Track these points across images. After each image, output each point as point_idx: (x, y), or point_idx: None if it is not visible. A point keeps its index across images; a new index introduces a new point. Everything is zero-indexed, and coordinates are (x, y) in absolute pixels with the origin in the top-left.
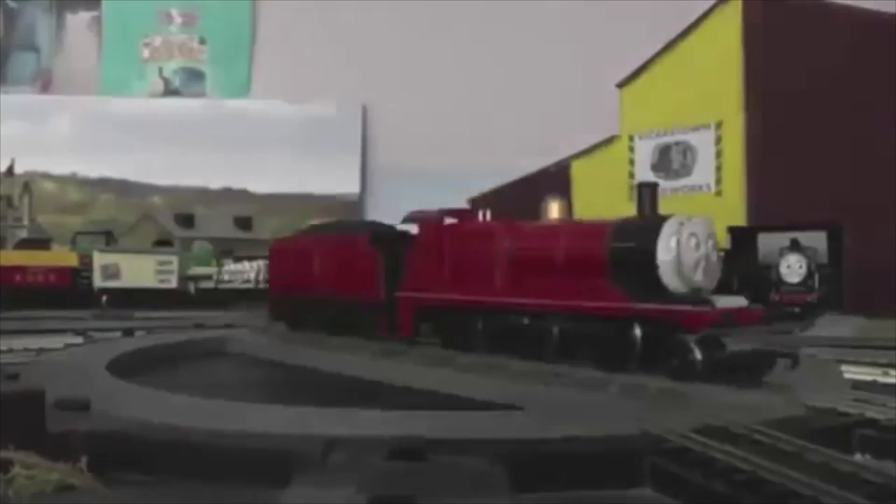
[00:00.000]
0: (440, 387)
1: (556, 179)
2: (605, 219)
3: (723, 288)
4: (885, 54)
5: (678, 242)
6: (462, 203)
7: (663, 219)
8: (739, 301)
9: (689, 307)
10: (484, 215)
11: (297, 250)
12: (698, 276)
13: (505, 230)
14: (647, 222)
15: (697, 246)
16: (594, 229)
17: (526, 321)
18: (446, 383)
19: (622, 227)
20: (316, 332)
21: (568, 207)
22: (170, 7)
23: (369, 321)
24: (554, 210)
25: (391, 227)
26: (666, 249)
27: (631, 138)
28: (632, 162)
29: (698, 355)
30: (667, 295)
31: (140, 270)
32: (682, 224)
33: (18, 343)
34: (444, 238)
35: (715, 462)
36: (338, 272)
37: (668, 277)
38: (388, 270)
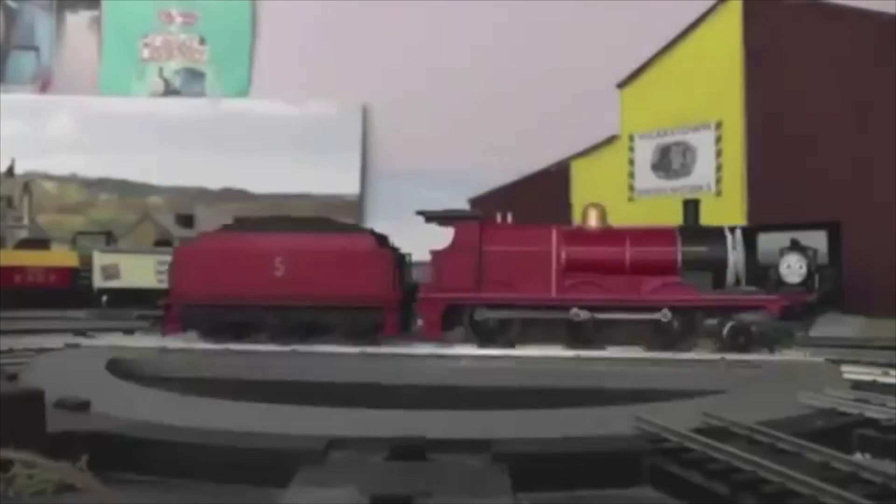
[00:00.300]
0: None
1: (556, 179)
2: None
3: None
4: (885, 54)
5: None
6: (462, 203)
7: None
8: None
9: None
10: (504, 217)
11: (245, 251)
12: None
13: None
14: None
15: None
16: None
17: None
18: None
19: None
20: (272, 339)
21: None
22: (170, 7)
23: (366, 323)
24: (593, 217)
25: (355, 226)
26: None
27: (631, 138)
28: (632, 162)
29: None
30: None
31: (140, 270)
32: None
33: (18, 343)
34: (488, 239)
35: (715, 462)
36: (321, 273)
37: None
38: (398, 271)
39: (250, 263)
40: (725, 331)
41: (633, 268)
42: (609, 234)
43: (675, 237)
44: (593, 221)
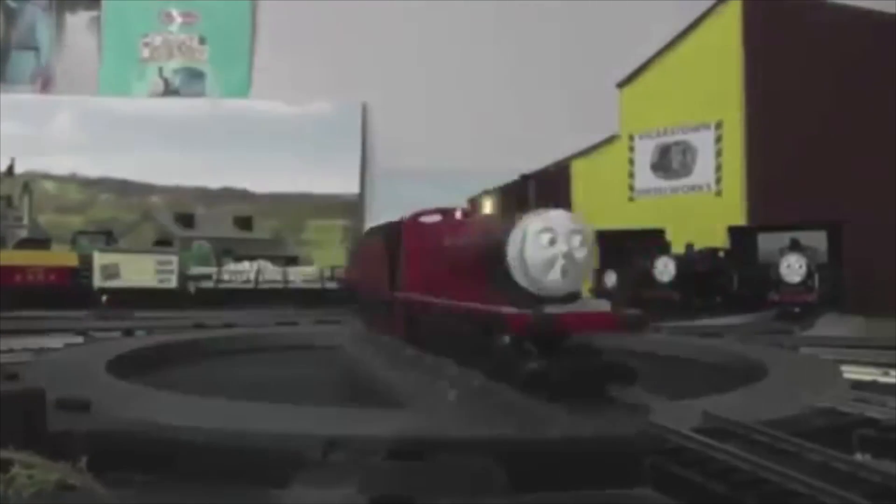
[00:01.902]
0: None
1: (556, 179)
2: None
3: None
4: (885, 54)
5: (523, 239)
6: (462, 203)
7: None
8: (594, 305)
9: (507, 309)
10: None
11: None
12: (551, 276)
13: (446, 228)
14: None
15: (552, 242)
16: (488, 226)
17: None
18: None
19: (495, 225)
20: None
21: (499, 203)
22: (170, 7)
23: None
24: (487, 206)
25: None
26: (512, 246)
27: (631, 138)
28: (632, 162)
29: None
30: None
31: (140, 270)
32: (532, 220)
33: (18, 343)
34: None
35: (715, 462)
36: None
37: (518, 276)
38: None
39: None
40: None
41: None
42: (461, 227)
43: (490, 230)
44: (486, 211)
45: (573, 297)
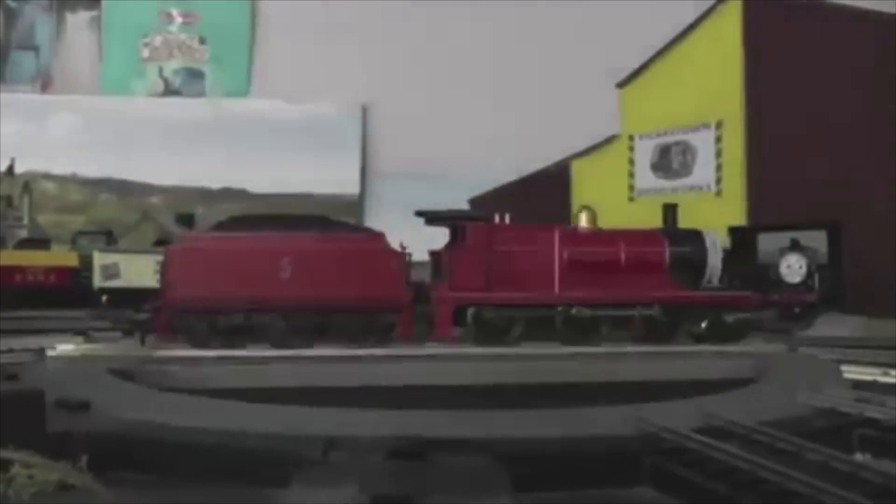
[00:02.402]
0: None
1: (556, 179)
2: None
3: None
4: (884, 54)
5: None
6: (462, 203)
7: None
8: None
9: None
10: (502, 218)
11: (247, 249)
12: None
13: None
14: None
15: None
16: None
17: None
18: None
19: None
20: (270, 343)
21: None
22: (170, 7)
23: (377, 324)
24: (583, 220)
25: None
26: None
27: (631, 138)
28: (632, 162)
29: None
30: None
31: (140, 270)
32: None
33: (18, 343)
34: (498, 240)
35: (715, 462)
36: (331, 274)
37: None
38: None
39: (255, 264)
40: (704, 324)
41: (628, 267)
42: (604, 236)
43: (662, 239)
44: (584, 223)
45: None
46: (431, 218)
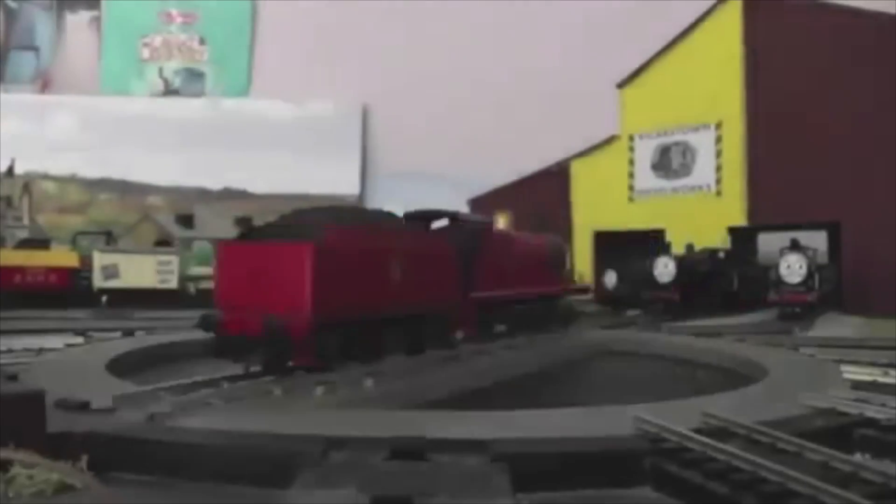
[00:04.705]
0: None
1: (556, 179)
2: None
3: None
4: (884, 54)
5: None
6: (462, 203)
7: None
8: None
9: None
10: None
11: (367, 252)
12: None
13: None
14: None
15: None
16: None
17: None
18: None
19: None
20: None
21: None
22: (170, 7)
23: (443, 327)
24: (500, 221)
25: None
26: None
27: (631, 138)
28: (632, 162)
29: None
30: None
31: (140, 270)
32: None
33: (18, 343)
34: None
35: (715, 462)
36: (425, 277)
37: None
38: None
39: (374, 268)
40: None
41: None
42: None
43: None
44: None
45: None
46: (409, 217)
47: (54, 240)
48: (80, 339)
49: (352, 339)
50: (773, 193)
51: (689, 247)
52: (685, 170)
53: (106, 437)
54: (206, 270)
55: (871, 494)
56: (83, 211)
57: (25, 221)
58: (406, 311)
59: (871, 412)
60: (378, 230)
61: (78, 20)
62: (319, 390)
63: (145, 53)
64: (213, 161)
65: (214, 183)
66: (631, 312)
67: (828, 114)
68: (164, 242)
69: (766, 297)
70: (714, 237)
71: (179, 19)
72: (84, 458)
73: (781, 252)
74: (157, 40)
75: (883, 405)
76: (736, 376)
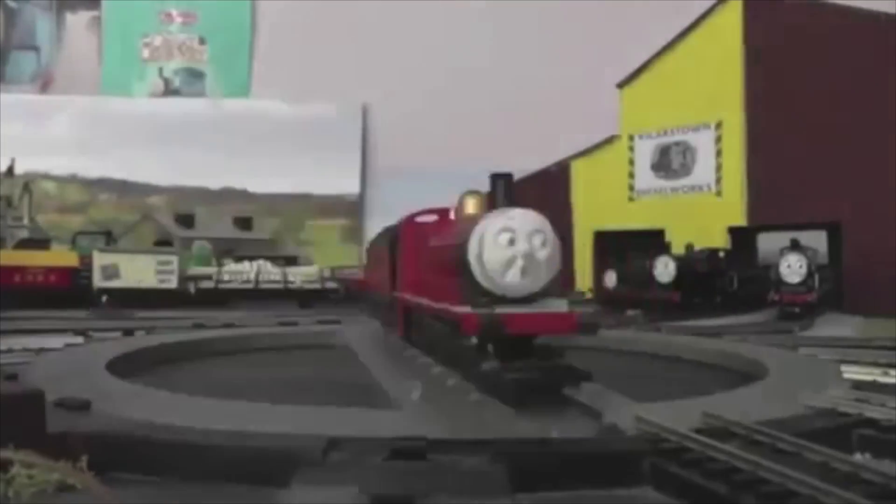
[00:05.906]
0: None
1: (556, 179)
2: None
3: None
4: (884, 54)
5: (481, 239)
6: None
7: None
8: (554, 305)
9: (462, 309)
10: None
11: None
12: (510, 277)
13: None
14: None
15: (511, 242)
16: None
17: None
18: None
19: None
20: None
21: (482, 202)
22: (170, 7)
23: None
24: (469, 206)
25: None
26: (472, 247)
27: (631, 138)
28: (632, 162)
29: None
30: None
31: (140, 270)
32: (490, 220)
33: (18, 343)
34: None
35: (715, 462)
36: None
37: (478, 277)
38: None
39: None
40: None
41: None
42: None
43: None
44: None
45: (536, 297)
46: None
47: (54, 240)
48: (80, 339)
49: None
50: (773, 193)
51: (689, 247)
52: (685, 170)
53: (106, 437)
54: (206, 270)
55: (871, 494)
56: (83, 211)
57: (25, 221)
58: None
59: (871, 412)
60: None
61: (78, 20)
62: None
63: (145, 53)
64: (213, 161)
65: (214, 183)
66: (631, 312)
67: (828, 114)
68: (164, 242)
69: (766, 297)
70: (714, 237)
71: (179, 19)
72: (84, 458)
73: (781, 252)
74: (158, 40)
75: (883, 405)
76: (736, 376)
